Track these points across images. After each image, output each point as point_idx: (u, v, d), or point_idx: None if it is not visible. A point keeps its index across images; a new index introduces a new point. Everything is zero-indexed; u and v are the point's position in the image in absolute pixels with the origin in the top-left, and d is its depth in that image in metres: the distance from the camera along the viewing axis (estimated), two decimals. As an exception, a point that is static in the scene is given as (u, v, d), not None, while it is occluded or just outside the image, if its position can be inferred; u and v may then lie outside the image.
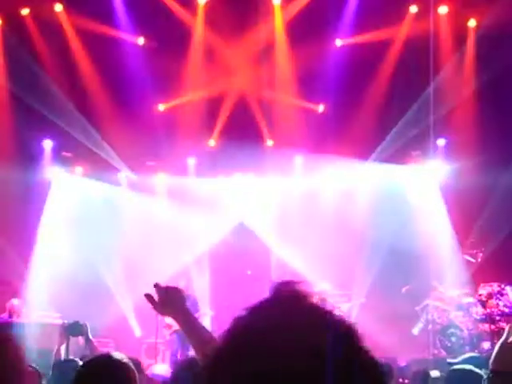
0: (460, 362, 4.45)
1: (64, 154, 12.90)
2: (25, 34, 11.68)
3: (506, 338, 2.69)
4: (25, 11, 11.66)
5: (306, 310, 0.92)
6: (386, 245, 12.25)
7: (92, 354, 5.76)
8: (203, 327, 2.39)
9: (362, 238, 12.54)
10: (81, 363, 4.66)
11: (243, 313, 0.95)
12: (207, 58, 12.41)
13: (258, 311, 0.95)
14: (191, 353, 10.50)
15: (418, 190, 13.17)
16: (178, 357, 10.20)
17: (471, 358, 4.46)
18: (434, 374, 5.46)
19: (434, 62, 11.14)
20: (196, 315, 9.03)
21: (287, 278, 1.00)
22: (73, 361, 5.11)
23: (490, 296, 9.96)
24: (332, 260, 12.13)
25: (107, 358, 2.55)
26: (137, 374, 2.55)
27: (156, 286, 2.46)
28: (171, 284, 2.59)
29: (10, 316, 10.16)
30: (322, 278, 11.27)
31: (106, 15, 11.86)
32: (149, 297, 2.43)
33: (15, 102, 11.71)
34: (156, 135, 12.59)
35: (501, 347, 2.70)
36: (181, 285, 10.86)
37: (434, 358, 10.10)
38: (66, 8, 11.83)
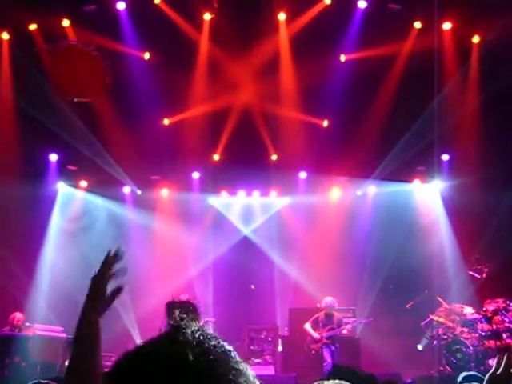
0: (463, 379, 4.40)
1: (69, 167, 12.95)
2: (32, 49, 11.77)
3: (496, 369, 2.67)
4: (32, 26, 11.77)
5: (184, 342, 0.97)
6: (390, 260, 12.23)
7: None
8: None
9: (366, 254, 12.52)
10: None
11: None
12: (212, 72, 12.47)
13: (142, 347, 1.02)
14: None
15: (422, 205, 13.15)
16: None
17: (471, 375, 4.41)
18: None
19: (438, 78, 11.17)
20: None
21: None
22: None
23: (495, 312, 9.90)
24: (336, 275, 12.10)
25: None
26: None
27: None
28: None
29: (12, 329, 10.14)
30: (325, 293, 11.22)
31: (112, 30, 11.95)
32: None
33: (22, 116, 11.78)
34: (160, 149, 12.64)
35: (490, 378, 2.69)
36: (183, 298, 10.86)
37: (439, 374, 10.01)
38: (73, 23, 11.93)
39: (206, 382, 0.90)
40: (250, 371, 0.96)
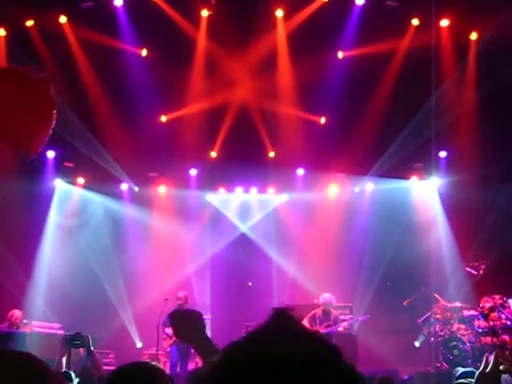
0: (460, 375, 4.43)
1: (66, 164, 12.93)
2: (29, 45, 11.74)
3: (485, 367, 2.68)
4: (29, 22, 11.74)
5: (298, 338, 0.94)
6: (388, 257, 12.24)
7: (93, 365, 5.74)
8: (214, 347, 2.39)
9: (364, 251, 12.54)
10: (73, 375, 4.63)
11: (240, 339, 0.97)
12: (210, 69, 12.46)
13: (253, 339, 0.97)
14: (191, 365, 10.48)
15: (420, 202, 13.17)
16: (178, 369, 10.17)
17: (468, 372, 4.43)
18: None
19: (436, 75, 11.17)
20: None
21: (282, 304, 1.04)
22: (66, 372, 5.09)
23: (492, 309, 9.93)
24: (333, 272, 12.12)
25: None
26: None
27: (173, 313, 2.45)
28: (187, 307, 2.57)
29: (10, 326, 10.14)
30: (322, 290, 11.24)
31: (110, 27, 11.93)
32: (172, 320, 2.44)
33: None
34: (158, 146, 12.63)
35: (479, 376, 2.70)
36: (181, 295, 10.88)
37: (436, 370, 10.04)
38: (70, 20, 11.91)
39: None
40: None
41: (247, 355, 0.93)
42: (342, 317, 10.95)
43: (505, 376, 2.72)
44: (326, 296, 10.63)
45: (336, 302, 11.29)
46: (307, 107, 12.67)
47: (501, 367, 2.63)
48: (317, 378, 0.89)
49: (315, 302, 10.93)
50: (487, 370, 2.64)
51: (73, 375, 4.92)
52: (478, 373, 2.70)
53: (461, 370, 4.60)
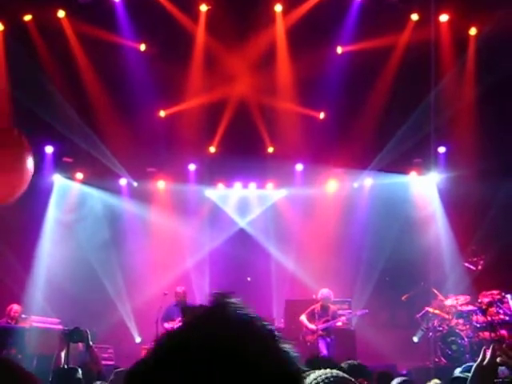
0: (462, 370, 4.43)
1: (65, 159, 12.91)
2: (27, 40, 11.71)
3: (482, 360, 2.69)
4: (27, 17, 11.70)
5: (232, 322, 0.94)
6: (387, 253, 12.25)
7: (92, 360, 5.74)
8: None
9: (363, 246, 12.54)
10: (80, 371, 4.64)
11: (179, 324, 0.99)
12: (208, 64, 12.44)
13: (185, 325, 0.97)
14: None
15: (419, 197, 13.17)
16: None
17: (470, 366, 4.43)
18: (435, 382, 5.44)
19: (435, 70, 11.15)
20: None
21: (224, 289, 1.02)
22: (73, 369, 5.09)
23: (490, 304, 9.95)
24: (332, 267, 12.13)
25: None
26: None
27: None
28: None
29: (9, 321, 10.14)
30: (321, 285, 11.25)
31: (109, 21, 11.89)
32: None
33: (17, 107, 11.73)
34: (157, 141, 12.62)
35: (477, 369, 2.71)
36: (179, 291, 10.89)
37: (434, 365, 10.06)
38: (69, 14, 11.87)
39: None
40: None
41: (176, 340, 0.93)
42: (340, 312, 10.97)
43: (501, 368, 2.73)
44: (324, 291, 10.64)
45: (335, 297, 11.30)
46: (306, 102, 12.66)
47: (498, 359, 2.64)
48: (246, 362, 0.88)
49: (314, 297, 10.94)
50: (484, 363, 2.65)
51: (79, 370, 4.92)
52: (475, 365, 2.71)
53: (458, 370, 4.60)
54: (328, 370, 1.88)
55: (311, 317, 10.53)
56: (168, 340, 0.95)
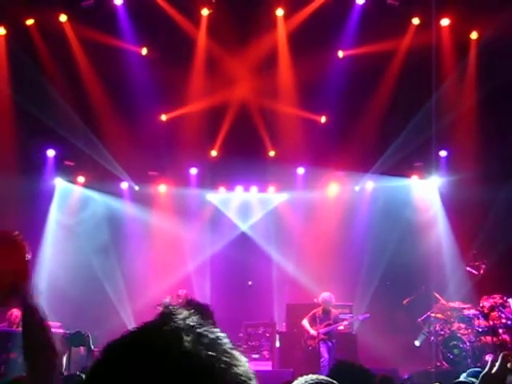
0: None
1: (66, 163, 12.93)
2: (29, 44, 11.74)
3: (490, 368, 2.67)
4: (30, 21, 11.73)
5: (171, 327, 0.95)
6: (388, 256, 12.24)
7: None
8: None
9: (364, 250, 12.54)
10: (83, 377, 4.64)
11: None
12: (210, 68, 12.46)
13: (132, 332, 0.98)
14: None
15: (420, 201, 13.17)
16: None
17: (475, 371, 4.42)
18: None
19: (436, 74, 11.16)
20: None
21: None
22: (75, 375, 5.10)
23: (492, 308, 9.92)
24: (333, 271, 12.12)
25: None
26: None
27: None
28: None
29: (10, 326, 10.13)
30: (322, 289, 11.24)
31: (110, 25, 11.92)
32: None
33: (19, 111, 11.75)
34: (158, 145, 12.64)
35: (485, 376, 2.69)
36: (181, 294, 10.89)
37: (436, 369, 10.04)
38: (71, 18, 11.90)
39: (201, 370, 0.89)
40: (243, 358, 0.96)
41: (122, 345, 0.95)
42: (342, 316, 10.95)
43: (510, 378, 2.70)
44: (325, 295, 10.62)
45: (336, 301, 11.28)
46: (308, 106, 12.67)
47: (508, 365, 2.61)
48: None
49: (315, 300, 10.92)
50: (493, 371, 2.63)
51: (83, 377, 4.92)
52: (483, 373, 2.68)
53: (463, 375, 4.59)
54: (315, 376, 1.91)
55: (313, 321, 10.51)
56: (109, 348, 0.97)
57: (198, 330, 0.92)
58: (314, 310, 10.63)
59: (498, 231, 11.51)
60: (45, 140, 12.39)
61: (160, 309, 1.05)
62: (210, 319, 0.94)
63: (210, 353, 0.89)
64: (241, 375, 0.90)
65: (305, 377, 1.89)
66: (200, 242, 13.08)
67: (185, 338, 0.90)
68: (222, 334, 0.94)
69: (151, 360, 0.89)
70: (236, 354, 0.93)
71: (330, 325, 10.42)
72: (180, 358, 0.88)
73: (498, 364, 2.61)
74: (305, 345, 10.53)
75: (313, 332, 10.37)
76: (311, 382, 1.84)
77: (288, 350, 11.14)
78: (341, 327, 10.71)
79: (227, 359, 0.90)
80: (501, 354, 2.59)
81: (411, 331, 11.43)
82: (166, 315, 0.98)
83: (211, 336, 0.92)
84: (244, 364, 0.93)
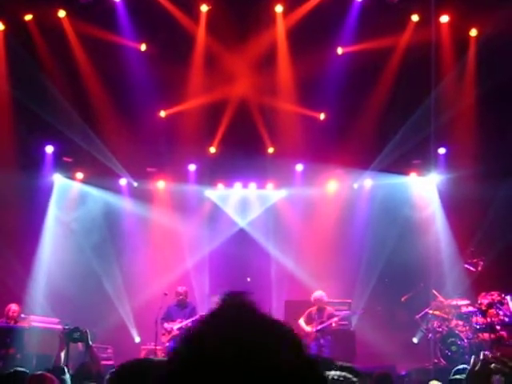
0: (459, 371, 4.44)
1: (65, 159, 12.91)
2: (28, 40, 11.72)
3: (473, 367, 2.69)
4: (28, 17, 11.70)
5: (251, 321, 0.94)
6: (386, 253, 12.26)
7: (92, 360, 5.74)
8: None
9: (362, 247, 12.55)
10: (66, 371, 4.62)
11: (194, 325, 0.96)
12: (209, 64, 12.44)
13: (207, 324, 0.96)
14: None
15: (419, 199, 13.17)
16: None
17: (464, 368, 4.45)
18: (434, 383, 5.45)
19: (435, 71, 11.16)
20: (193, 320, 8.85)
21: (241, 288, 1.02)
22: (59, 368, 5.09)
23: (490, 305, 9.94)
24: (332, 268, 12.14)
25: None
26: None
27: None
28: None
29: (8, 321, 10.13)
30: (321, 286, 11.26)
31: (109, 21, 11.90)
32: None
33: (17, 107, 11.74)
34: (157, 141, 12.63)
35: (469, 374, 2.71)
36: (180, 290, 10.90)
37: (434, 366, 10.07)
38: (69, 14, 11.88)
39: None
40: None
41: (195, 348, 0.91)
42: (337, 312, 10.98)
43: (496, 376, 2.72)
44: (316, 294, 10.73)
45: (334, 298, 11.32)
46: (307, 103, 12.66)
47: (491, 366, 2.64)
48: (269, 367, 0.88)
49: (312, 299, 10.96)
50: (476, 369, 2.65)
51: (65, 369, 4.92)
52: (467, 372, 2.71)
53: (457, 367, 4.61)
54: (338, 373, 1.91)
55: (309, 319, 10.60)
56: (187, 348, 0.94)
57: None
58: (310, 309, 10.71)
59: (497, 229, 11.53)
60: (43, 136, 12.37)
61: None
62: None
63: None
64: None
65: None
66: (199, 239, 13.08)
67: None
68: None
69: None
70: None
71: (323, 322, 10.49)
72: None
73: (479, 363, 2.63)
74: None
75: (307, 329, 10.44)
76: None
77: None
78: (333, 324, 10.73)
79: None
80: (481, 353, 2.61)
81: (409, 328, 11.46)
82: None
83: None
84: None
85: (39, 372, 3.17)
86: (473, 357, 2.76)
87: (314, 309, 10.65)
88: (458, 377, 4.55)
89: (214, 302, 0.99)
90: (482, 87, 11.82)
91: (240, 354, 0.88)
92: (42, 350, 9.27)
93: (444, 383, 5.22)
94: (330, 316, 10.62)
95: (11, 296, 10.88)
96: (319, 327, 10.41)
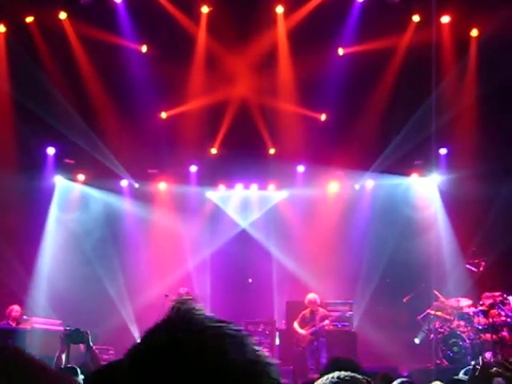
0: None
1: (66, 160, 12.92)
2: (29, 42, 11.73)
3: (474, 373, 2.70)
4: (29, 19, 11.72)
5: (193, 324, 0.95)
6: (388, 254, 12.25)
7: (93, 361, 5.74)
8: None
9: (364, 247, 12.54)
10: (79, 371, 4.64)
11: (142, 335, 1.01)
12: (210, 65, 12.45)
13: (151, 334, 1.02)
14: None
15: (420, 199, 13.16)
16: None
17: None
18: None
19: (436, 72, 11.15)
20: None
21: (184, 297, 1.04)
22: (72, 368, 5.09)
23: (492, 305, 9.93)
24: (333, 269, 12.13)
25: None
26: None
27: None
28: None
29: (11, 322, 10.14)
30: (322, 286, 11.27)
31: (110, 23, 11.91)
32: None
33: (19, 109, 11.74)
34: (158, 143, 12.63)
35: (470, 377, 2.72)
36: (182, 292, 10.89)
37: (436, 367, 10.05)
38: (70, 16, 11.89)
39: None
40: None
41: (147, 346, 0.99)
42: (332, 313, 11.00)
43: (498, 379, 2.72)
44: (310, 297, 10.78)
45: (336, 299, 11.31)
46: (307, 104, 12.66)
47: (493, 370, 2.64)
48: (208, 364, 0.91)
49: (306, 302, 10.98)
50: (476, 373, 2.66)
51: (78, 370, 4.92)
52: (469, 376, 2.72)
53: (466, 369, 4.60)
54: (337, 373, 1.92)
55: (302, 322, 10.66)
56: (135, 349, 1.02)
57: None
58: (303, 312, 10.79)
59: (498, 229, 11.51)
60: (45, 138, 12.38)
61: (170, 298, 1.07)
62: None
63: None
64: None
65: (327, 376, 1.91)
66: (200, 240, 13.08)
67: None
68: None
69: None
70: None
71: (314, 325, 10.56)
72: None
73: (479, 368, 2.64)
74: (296, 346, 10.67)
75: (301, 331, 10.54)
76: (333, 380, 1.86)
77: (288, 347, 11.15)
78: (326, 327, 10.75)
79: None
80: (480, 358, 2.62)
81: (411, 329, 11.44)
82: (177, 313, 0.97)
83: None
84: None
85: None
86: (489, 354, 2.78)
87: (307, 311, 10.73)
88: (461, 376, 4.54)
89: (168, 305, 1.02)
90: (482, 87, 11.81)
91: (182, 357, 0.92)
92: (44, 352, 9.22)
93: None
94: (323, 318, 10.67)
95: (13, 297, 10.89)
96: (311, 330, 10.50)
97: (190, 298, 1.01)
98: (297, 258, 12.78)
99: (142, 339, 0.98)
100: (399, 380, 4.31)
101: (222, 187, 13.57)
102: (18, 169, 11.82)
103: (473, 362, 2.76)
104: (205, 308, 0.98)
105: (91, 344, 5.83)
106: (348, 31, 12.16)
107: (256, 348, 0.95)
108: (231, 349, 0.91)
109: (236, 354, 0.91)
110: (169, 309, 1.00)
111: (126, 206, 13.32)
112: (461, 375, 4.56)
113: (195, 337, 0.93)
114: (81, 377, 4.37)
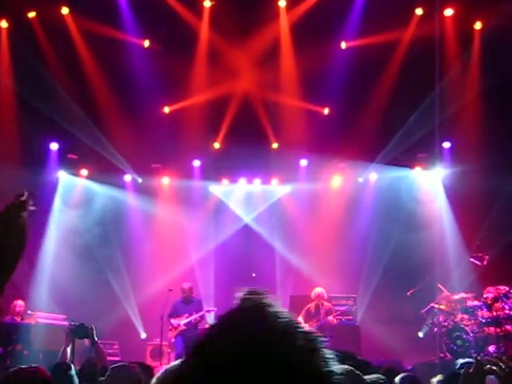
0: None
1: (70, 156, 12.94)
2: (31, 37, 11.73)
3: (467, 370, 2.71)
4: (31, 14, 11.71)
5: (268, 320, 0.93)
6: (391, 248, 12.24)
7: (97, 356, 5.76)
8: None
9: (367, 241, 12.53)
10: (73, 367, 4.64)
11: (213, 323, 0.96)
12: (212, 60, 12.43)
13: (224, 323, 0.96)
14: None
15: (424, 192, 13.14)
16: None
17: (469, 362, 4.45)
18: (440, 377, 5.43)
19: (440, 65, 11.09)
20: (200, 314, 8.91)
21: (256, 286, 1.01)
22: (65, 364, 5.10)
23: (495, 299, 9.93)
24: (336, 263, 12.13)
25: None
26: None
27: None
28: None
29: (15, 317, 10.17)
30: (326, 280, 11.27)
31: (112, 18, 11.90)
32: None
33: (22, 105, 11.75)
34: (161, 137, 12.63)
35: (463, 375, 2.73)
36: (185, 287, 10.92)
37: (439, 361, 10.06)
38: (73, 11, 11.88)
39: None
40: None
41: (226, 351, 0.91)
42: (338, 308, 10.98)
43: (491, 377, 2.73)
44: (316, 290, 10.76)
45: (340, 293, 11.31)
46: (310, 98, 12.63)
47: (486, 367, 2.65)
48: (285, 367, 0.89)
49: (312, 296, 10.97)
50: (471, 370, 2.67)
51: (71, 365, 4.94)
52: (463, 373, 2.73)
53: (461, 360, 4.60)
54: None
55: (307, 316, 10.63)
56: (206, 347, 0.94)
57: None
58: (308, 306, 10.76)
59: (502, 222, 11.49)
60: (48, 133, 12.39)
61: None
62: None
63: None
64: None
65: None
66: (203, 234, 13.09)
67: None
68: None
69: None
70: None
71: (319, 320, 10.55)
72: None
73: (473, 365, 2.66)
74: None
75: (305, 326, 10.48)
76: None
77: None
78: (335, 320, 10.73)
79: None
80: (474, 357, 2.65)
81: (415, 322, 11.45)
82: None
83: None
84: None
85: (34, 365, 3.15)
86: (493, 348, 2.80)
87: (312, 305, 10.71)
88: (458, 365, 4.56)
89: (234, 300, 0.98)
90: (486, 80, 11.76)
91: (251, 360, 0.89)
92: (48, 347, 9.30)
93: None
94: (328, 312, 10.66)
95: (16, 292, 10.92)
96: (316, 325, 10.47)
97: (261, 290, 0.99)
98: (300, 252, 12.78)
99: (214, 341, 0.93)
100: (402, 375, 4.32)
101: (225, 181, 13.57)
102: (21, 164, 11.84)
103: (470, 359, 2.78)
104: (278, 302, 0.96)
105: (96, 339, 5.85)
106: (351, 25, 12.12)
107: (327, 355, 0.94)
108: (303, 360, 0.90)
109: (307, 365, 0.90)
110: (239, 302, 0.98)
111: (129, 200, 13.33)
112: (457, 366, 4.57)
113: (269, 349, 0.90)
114: (73, 371, 4.38)
